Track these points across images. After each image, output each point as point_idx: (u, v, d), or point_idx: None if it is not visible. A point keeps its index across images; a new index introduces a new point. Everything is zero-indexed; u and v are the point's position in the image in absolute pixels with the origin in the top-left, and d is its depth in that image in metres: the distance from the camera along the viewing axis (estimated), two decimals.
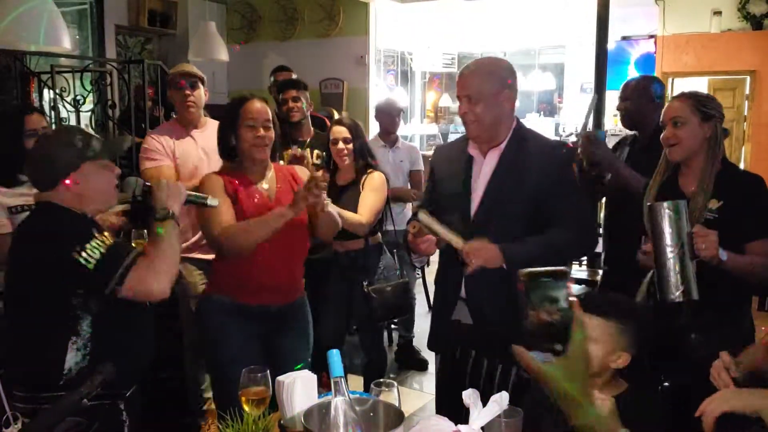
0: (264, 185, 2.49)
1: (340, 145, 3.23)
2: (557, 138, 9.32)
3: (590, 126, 3.00)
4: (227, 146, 2.50)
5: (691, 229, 2.03)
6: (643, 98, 3.08)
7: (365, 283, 3.20)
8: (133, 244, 2.41)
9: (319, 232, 2.59)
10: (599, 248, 3.50)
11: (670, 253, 2.02)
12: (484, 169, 2.29)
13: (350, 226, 2.99)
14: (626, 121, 3.14)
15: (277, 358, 2.42)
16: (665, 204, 2.04)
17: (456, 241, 2.17)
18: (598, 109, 5.18)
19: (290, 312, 2.53)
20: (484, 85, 2.21)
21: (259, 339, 2.45)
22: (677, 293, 2.02)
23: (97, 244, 1.76)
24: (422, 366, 4.44)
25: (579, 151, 2.94)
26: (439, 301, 2.48)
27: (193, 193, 2.20)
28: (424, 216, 2.24)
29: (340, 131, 3.25)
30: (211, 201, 2.19)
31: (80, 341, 1.81)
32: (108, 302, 1.81)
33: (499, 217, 2.22)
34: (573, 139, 3.05)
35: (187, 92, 3.21)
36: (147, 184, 2.04)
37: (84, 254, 1.73)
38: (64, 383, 1.80)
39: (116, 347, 1.85)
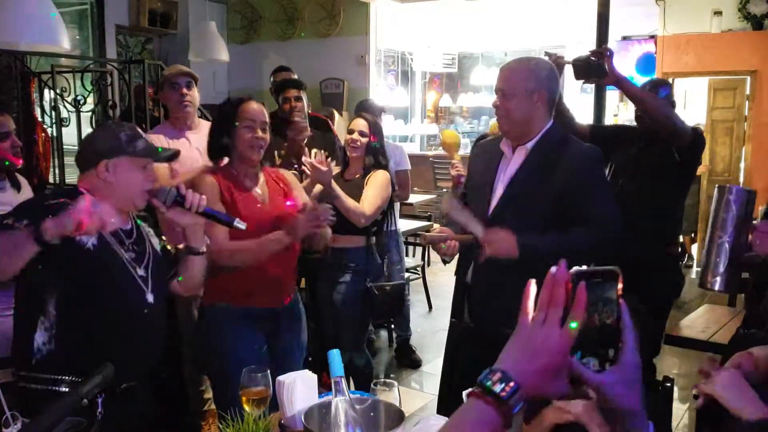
0: (258, 190, 2.47)
1: (355, 135, 3.22)
2: None
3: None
4: (219, 146, 2.47)
5: (751, 221, 1.98)
6: (669, 103, 3.08)
7: (368, 280, 3.20)
8: None
9: (309, 242, 2.58)
10: None
11: (717, 238, 1.98)
12: (510, 166, 2.31)
13: (351, 213, 3.02)
14: (646, 125, 3.12)
15: (277, 359, 2.42)
16: (730, 189, 2.00)
17: (477, 229, 2.19)
18: (598, 109, 5.16)
19: (289, 311, 2.53)
20: (520, 82, 2.24)
21: (264, 341, 2.43)
22: (710, 280, 1.99)
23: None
24: (415, 365, 4.48)
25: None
26: (456, 295, 2.53)
27: (217, 212, 2.08)
28: (448, 200, 2.35)
29: (360, 124, 3.25)
30: (239, 223, 2.02)
31: (47, 322, 1.82)
32: (69, 285, 1.81)
33: (517, 213, 2.23)
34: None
35: (184, 91, 3.20)
36: (181, 194, 1.95)
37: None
38: (36, 364, 1.81)
39: (86, 334, 1.82)
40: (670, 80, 6.87)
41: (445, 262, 2.42)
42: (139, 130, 1.99)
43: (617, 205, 2.27)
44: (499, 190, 2.29)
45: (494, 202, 2.29)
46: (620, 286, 0.84)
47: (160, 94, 3.40)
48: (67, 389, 1.80)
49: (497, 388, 0.80)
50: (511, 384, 0.80)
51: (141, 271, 1.94)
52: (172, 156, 2.07)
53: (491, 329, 2.17)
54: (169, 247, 2.12)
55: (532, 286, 0.87)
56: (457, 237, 2.30)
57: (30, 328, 1.83)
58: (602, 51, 2.73)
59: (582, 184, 2.18)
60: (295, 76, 4.27)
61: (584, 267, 0.84)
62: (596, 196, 2.21)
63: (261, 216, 2.38)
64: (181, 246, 2.10)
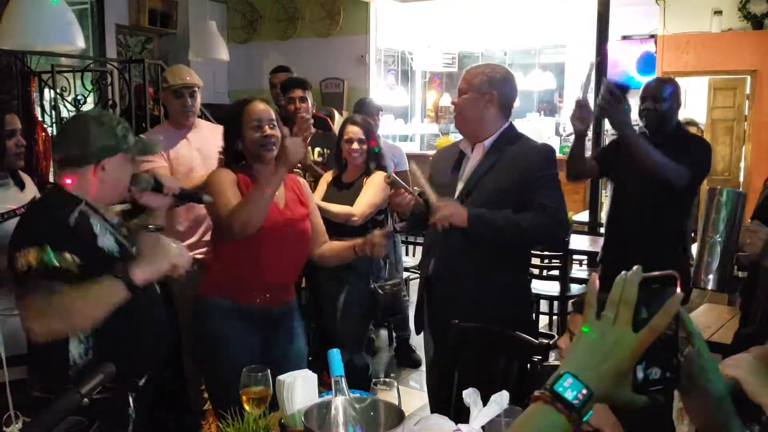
0: None
1: (355, 145, 3.26)
2: (558, 137, 9.32)
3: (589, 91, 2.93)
4: (234, 152, 2.43)
5: (742, 222, 2.01)
6: (675, 101, 3.08)
7: (372, 282, 3.21)
8: None
9: (323, 259, 2.59)
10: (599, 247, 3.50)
11: (708, 238, 2.01)
12: (470, 163, 2.50)
13: (340, 217, 3.07)
14: (653, 122, 3.11)
15: (276, 361, 2.40)
16: (721, 191, 2.03)
17: (432, 195, 2.37)
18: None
19: (288, 314, 2.51)
20: (473, 81, 2.45)
21: (258, 341, 2.41)
22: (703, 279, 2.01)
23: (35, 256, 1.69)
24: (416, 364, 4.48)
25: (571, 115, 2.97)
26: (420, 281, 2.69)
27: (188, 192, 2.21)
28: (413, 166, 2.54)
29: (356, 132, 3.27)
30: (206, 198, 2.19)
31: (82, 335, 1.79)
32: None
33: (477, 206, 2.37)
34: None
35: (188, 102, 3.20)
36: (158, 181, 2.01)
37: (22, 259, 1.69)
38: (74, 376, 1.80)
39: (120, 339, 1.81)
40: None
41: (395, 227, 2.59)
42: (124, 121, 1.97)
43: (563, 197, 2.45)
44: (460, 186, 2.47)
45: (455, 197, 2.45)
46: (678, 290, 0.81)
47: (162, 95, 3.39)
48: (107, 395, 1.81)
49: (569, 395, 0.76)
50: (584, 391, 0.76)
51: None
52: (151, 147, 2.08)
53: (450, 320, 2.29)
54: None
55: (596, 281, 0.84)
56: (422, 185, 2.44)
57: (62, 342, 1.79)
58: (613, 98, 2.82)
59: (534, 178, 2.38)
60: (295, 76, 4.27)
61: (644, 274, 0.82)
62: (545, 188, 2.39)
63: (277, 218, 2.36)
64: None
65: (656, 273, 0.81)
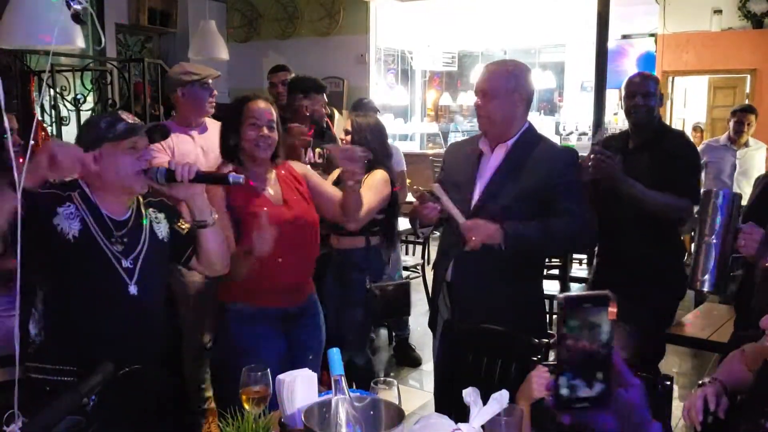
0: (270, 191, 2.43)
1: (342, 135, 3.24)
2: (558, 136, 9.33)
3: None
4: (227, 146, 2.44)
5: (738, 223, 2.00)
6: (658, 96, 3.09)
7: (368, 280, 3.19)
8: None
9: (346, 213, 2.52)
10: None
11: (704, 240, 2.01)
12: (490, 164, 2.42)
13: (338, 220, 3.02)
14: (644, 118, 3.10)
15: (295, 354, 2.41)
16: (717, 193, 2.02)
17: (459, 216, 2.28)
18: (598, 108, 5.18)
19: (308, 309, 2.52)
20: (501, 83, 2.36)
21: (282, 341, 2.41)
22: (699, 281, 2.01)
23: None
24: (415, 363, 4.47)
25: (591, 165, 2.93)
26: (434, 284, 2.63)
27: (210, 173, 2.14)
28: (437, 187, 2.39)
29: (348, 124, 3.26)
30: (233, 177, 1.97)
31: (37, 314, 1.85)
32: (53, 280, 1.86)
33: (498, 209, 2.31)
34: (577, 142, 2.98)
35: (215, 93, 3.22)
36: (170, 170, 1.92)
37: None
38: (33, 353, 1.85)
39: (73, 330, 1.83)
40: (671, 79, 6.92)
41: (419, 233, 2.51)
42: (124, 114, 1.95)
43: (588, 201, 2.40)
44: (480, 186, 2.39)
45: (476, 197, 2.38)
46: (612, 310, 0.83)
47: (182, 90, 3.27)
48: (60, 378, 1.82)
49: None
50: None
51: (127, 263, 1.93)
52: (159, 131, 2.00)
53: (468, 320, 2.26)
54: (184, 226, 2.10)
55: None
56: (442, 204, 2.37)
57: (26, 320, 1.86)
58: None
59: (559, 183, 2.32)
60: (292, 75, 4.26)
61: (574, 293, 0.84)
62: (571, 192, 2.33)
63: (280, 218, 2.35)
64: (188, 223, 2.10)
65: (587, 293, 0.85)
